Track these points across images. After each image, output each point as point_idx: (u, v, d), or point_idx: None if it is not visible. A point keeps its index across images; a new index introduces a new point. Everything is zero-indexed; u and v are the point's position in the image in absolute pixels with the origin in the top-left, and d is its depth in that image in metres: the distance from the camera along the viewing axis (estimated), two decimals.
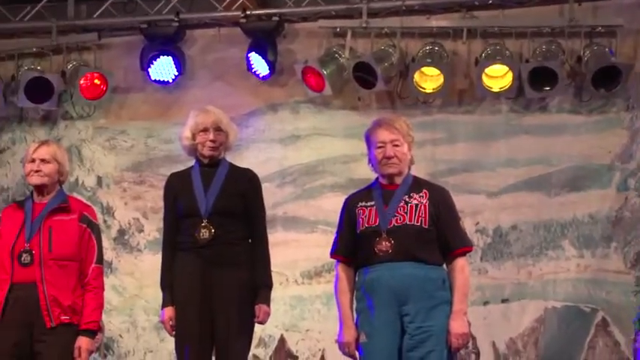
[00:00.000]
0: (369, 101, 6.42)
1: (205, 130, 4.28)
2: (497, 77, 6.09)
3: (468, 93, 6.29)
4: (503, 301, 6.14)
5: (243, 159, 4.98)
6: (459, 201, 4.26)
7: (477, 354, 6.13)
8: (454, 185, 5.90)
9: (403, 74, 6.23)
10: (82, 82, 6.48)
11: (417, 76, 6.13)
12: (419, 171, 4.25)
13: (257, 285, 4.24)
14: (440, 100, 6.30)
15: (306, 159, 6.51)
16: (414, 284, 3.90)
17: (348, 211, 4.07)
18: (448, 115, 6.33)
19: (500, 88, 6.09)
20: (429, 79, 6.16)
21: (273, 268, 4.36)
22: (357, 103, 6.43)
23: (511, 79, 6.03)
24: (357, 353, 3.99)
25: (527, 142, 6.21)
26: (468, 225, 4.78)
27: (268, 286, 4.28)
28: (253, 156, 6.30)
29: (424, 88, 6.17)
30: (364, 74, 6.15)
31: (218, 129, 4.29)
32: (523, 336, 6.10)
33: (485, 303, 6.12)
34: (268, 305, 4.26)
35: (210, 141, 4.28)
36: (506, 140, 6.25)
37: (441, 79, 6.11)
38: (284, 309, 6.26)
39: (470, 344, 5.90)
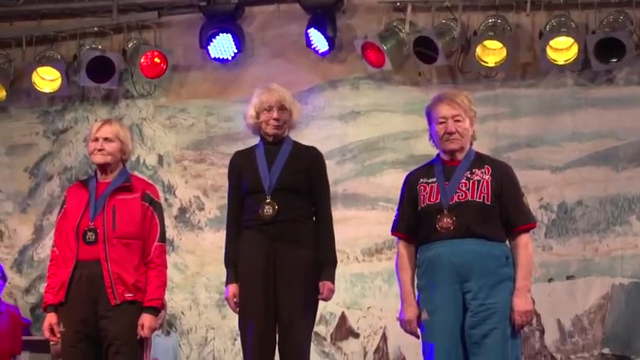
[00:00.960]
0: (429, 76, 6.35)
1: (269, 108, 4.26)
2: (562, 50, 5.98)
3: (531, 66, 6.20)
4: (569, 277, 6.06)
5: (303, 136, 4.94)
6: (523, 176, 4.19)
7: (542, 331, 6.05)
8: (517, 160, 5.84)
9: (465, 48, 6.16)
10: (142, 60, 6.53)
11: (479, 50, 6.05)
12: (481, 147, 4.18)
13: (321, 262, 4.23)
14: (503, 74, 6.21)
15: (366, 135, 6.48)
16: (476, 261, 3.85)
17: (409, 187, 4.02)
18: (511, 89, 6.25)
19: (566, 61, 5.98)
20: (492, 52, 6.07)
21: None
22: (417, 79, 6.36)
23: (576, 51, 5.91)
24: (418, 330, 3.96)
25: (593, 116, 6.10)
26: (531, 201, 4.70)
27: (333, 263, 4.26)
28: (313, 133, 6.29)
29: (486, 62, 6.08)
30: (425, 49, 6.08)
31: (282, 107, 4.27)
32: (589, 313, 6.01)
33: (550, 280, 6.05)
34: (332, 282, 4.24)
35: (274, 119, 4.26)
36: (571, 114, 6.15)
37: (503, 53, 6.02)
38: (345, 286, 6.25)
39: (534, 321, 5.84)
